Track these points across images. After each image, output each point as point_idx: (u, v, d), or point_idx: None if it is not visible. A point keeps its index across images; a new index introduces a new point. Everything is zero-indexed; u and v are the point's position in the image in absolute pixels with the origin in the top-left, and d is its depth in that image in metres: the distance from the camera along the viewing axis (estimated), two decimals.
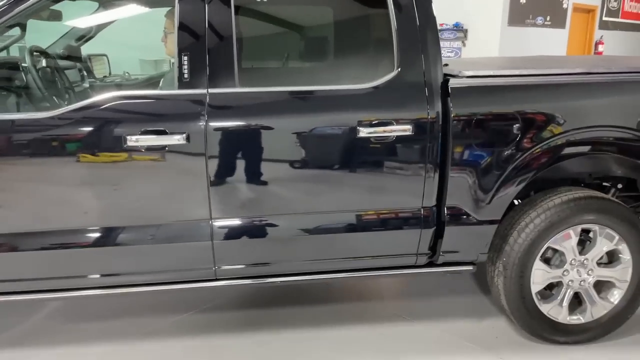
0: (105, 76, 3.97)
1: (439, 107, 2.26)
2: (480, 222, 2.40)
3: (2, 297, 2.28)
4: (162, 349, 2.58)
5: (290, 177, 2.26)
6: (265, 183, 2.25)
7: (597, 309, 2.55)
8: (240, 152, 2.21)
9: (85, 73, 3.55)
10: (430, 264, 2.50)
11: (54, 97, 2.69)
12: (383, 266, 2.48)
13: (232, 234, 2.28)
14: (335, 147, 2.26)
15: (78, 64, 3.47)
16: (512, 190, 2.38)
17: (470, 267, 2.52)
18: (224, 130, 2.17)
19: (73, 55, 3.42)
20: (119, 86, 3.46)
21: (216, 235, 2.26)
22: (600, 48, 10.73)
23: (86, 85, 3.46)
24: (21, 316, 2.88)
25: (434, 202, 2.37)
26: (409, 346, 2.59)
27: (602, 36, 10.81)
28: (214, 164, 2.18)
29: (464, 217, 2.38)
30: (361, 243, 2.38)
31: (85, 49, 3.65)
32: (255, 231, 2.29)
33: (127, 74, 4.25)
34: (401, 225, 2.37)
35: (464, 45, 7.78)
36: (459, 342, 2.61)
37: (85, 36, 3.52)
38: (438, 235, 2.42)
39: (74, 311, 2.95)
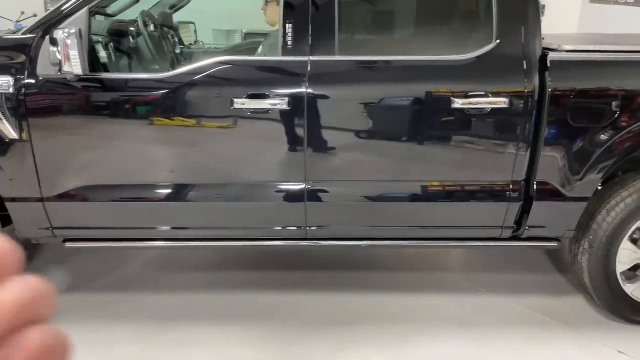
0: (191, 44, 4.13)
1: (536, 81, 2.25)
2: (570, 199, 2.40)
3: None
4: (249, 301, 2.75)
5: (384, 145, 2.33)
6: (359, 150, 2.34)
7: None
8: (338, 119, 2.29)
9: (176, 40, 3.72)
10: (514, 238, 2.53)
11: (162, 61, 2.86)
12: (468, 237, 2.53)
13: (325, 197, 2.38)
14: (429, 117, 2.31)
15: (171, 31, 3.63)
16: (605, 169, 2.36)
17: (555, 244, 2.53)
18: (324, 97, 2.26)
19: (166, 23, 3.59)
20: (211, 53, 3.61)
21: (310, 197, 2.37)
22: None
23: (178, 51, 3.62)
24: (122, 264, 3.12)
25: (523, 177, 2.38)
26: (488, 317, 2.64)
27: None
28: (312, 129, 2.28)
29: (554, 193, 2.39)
30: (449, 213, 2.44)
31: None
32: (347, 196, 2.39)
33: (201, 43, 4.39)
34: (489, 197, 2.40)
35: None
36: (536, 316, 2.64)
37: (177, 4, 3.68)
38: (525, 210, 2.44)
39: (167, 261, 3.17)
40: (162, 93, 2.26)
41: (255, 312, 2.67)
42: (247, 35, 6.55)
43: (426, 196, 2.41)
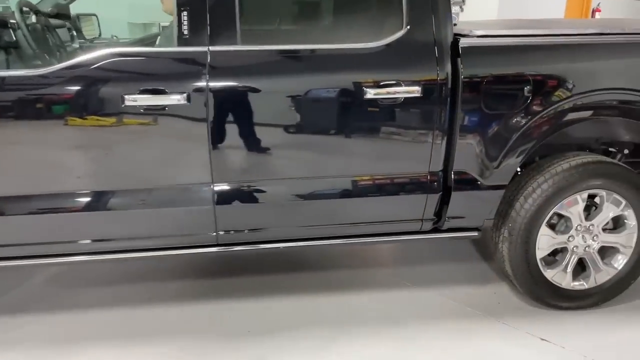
0: (94, 37, 3.83)
1: (448, 67, 2.18)
2: (488, 188, 2.35)
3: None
4: (161, 315, 2.54)
5: (294, 139, 2.18)
6: (268, 146, 2.18)
7: (601, 274, 2.54)
8: (243, 113, 2.12)
9: (74, 33, 3.41)
10: (435, 230, 2.46)
11: (45, 55, 2.57)
12: (388, 232, 2.43)
13: (235, 198, 2.21)
14: (340, 109, 2.18)
15: (67, 23, 3.32)
16: (521, 155, 2.33)
17: (475, 233, 2.49)
18: (227, 90, 2.08)
19: (62, 14, 3.27)
20: (111, 46, 3.33)
21: (218, 199, 2.19)
22: (597, 16, 10.59)
23: (76, 45, 3.32)
24: (20, 281, 2.82)
25: (441, 167, 2.31)
26: (412, 312, 2.57)
27: (599, 3, 10.66)
28: (215, 125, 2.10)
29: (471, 182, 2.33)
30: (366, 208, 2.33)
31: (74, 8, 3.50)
32: (258, 196, 2.23)
33: (115, 38, 4.10)
34: (407, 190, 2.31)
35: (462, 10, 7.62)
36: (461, 308, 2.60)
37: None
38: (444, 201, 2.37)
39: (73, 277, 2.89)
40: (43, 90, 2.01)
41: (166, 326, 2.46)
42: (165, 28, 6.22)
43: (344, 192, 2.29)
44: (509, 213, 2.43)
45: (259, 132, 2.15)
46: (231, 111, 2.11)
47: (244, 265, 2.98)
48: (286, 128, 2.16)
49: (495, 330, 2.44)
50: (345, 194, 2.29)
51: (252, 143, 2.15)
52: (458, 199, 2.35)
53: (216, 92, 2.07)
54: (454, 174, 2.31)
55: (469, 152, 2.28)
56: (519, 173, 2.49)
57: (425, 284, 2.80)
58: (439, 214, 2.40)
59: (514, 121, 2.26)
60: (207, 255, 2.37)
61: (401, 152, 2.26)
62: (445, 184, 2.34)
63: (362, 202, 2.30)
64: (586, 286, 2.55)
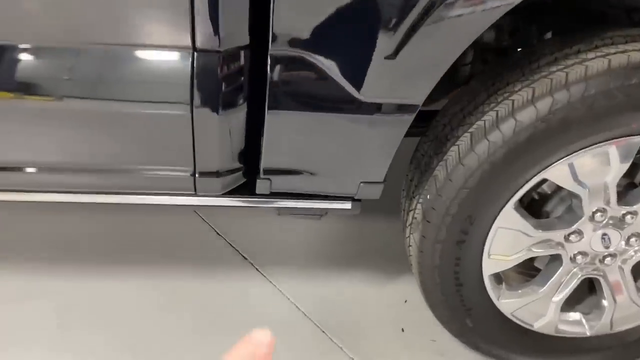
0: None
1: None
2: (371, 108, 0.89)
3: None
4: None
5: None
6: None
7: (627, 312, 1.15)
8: None
9: None
10: (242, 190, 1.04)
11: None
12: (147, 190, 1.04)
13: None
14: None
15: None
16: (463, 30, 0.82)
17: (347, 206, 1.06)
18: None
19: None
20: None
21: None
22: None
23: None
24: None
25: (244, 41, 0.83)
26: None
27: None
28: None
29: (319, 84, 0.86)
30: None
31: None
32: None
33: None
34: (139, 99, 0.89)
35: None
36: (333, 348, 1.27)
37: None
38: (254, 130, 0.93)
39: None
40: None
41: None
42: None
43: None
44: (431, 167, 1.00)
45: None
46: None
47: None
48: None
49: None
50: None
51: None
52: (286, 126, 0.91)
53: None
54: (271, 58, 0.83)
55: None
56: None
57: (283, 278, 1.44)
58: (253, 160, 0.98)
59: None
60: None
61: None
62: (258, 90, 0.88)
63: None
64: (588, 332, 1.17)
